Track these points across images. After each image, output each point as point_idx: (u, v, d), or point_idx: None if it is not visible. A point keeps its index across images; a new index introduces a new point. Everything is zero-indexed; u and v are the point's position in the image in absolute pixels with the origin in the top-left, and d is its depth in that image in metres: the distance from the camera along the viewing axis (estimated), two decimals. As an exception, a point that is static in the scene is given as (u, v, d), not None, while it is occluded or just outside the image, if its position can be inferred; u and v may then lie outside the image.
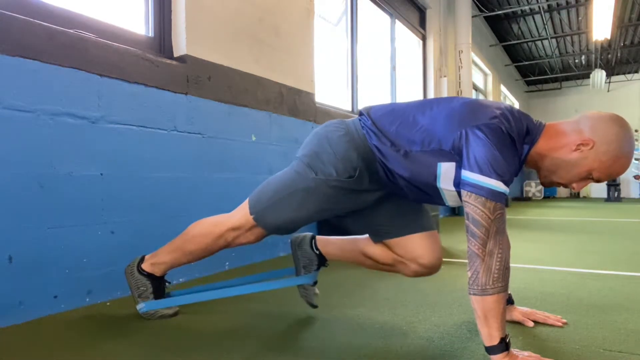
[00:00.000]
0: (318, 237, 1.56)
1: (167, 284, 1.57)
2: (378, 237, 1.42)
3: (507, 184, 1.08)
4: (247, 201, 1.40)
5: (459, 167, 1.16)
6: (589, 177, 1.16)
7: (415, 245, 1.37)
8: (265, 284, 1.52)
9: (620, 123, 1.12)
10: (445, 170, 1.18)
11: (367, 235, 1.48)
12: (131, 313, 1.56)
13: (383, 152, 1.25)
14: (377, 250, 1.44)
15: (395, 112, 1.28)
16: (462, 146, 1.12)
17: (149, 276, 1.50)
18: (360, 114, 1.35)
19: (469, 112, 1.16)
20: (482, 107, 1.17)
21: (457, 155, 1.15)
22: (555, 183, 1.22)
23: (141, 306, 1.49)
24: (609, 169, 1.13)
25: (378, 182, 1.36)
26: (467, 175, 1.09)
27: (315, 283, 1.54)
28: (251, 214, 1.36)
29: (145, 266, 1.51)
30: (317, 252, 1.52)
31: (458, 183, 1.18)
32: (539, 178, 1.25)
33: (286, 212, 1.32)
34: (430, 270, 1.39)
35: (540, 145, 1.18)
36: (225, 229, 1.39)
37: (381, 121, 1.28)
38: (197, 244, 1.44)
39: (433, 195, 1.28)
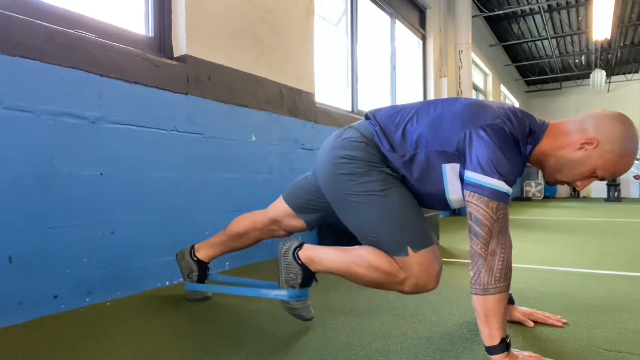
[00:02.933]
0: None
1: (315, 280, 1.42)
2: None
3: (510, 184, 1.09)
4: (390, 257, 1.24)
5: (463, 169, 1.16)
6: (593, 176, 1.17)
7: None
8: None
9: (624, 122, 1.13)
10: (451, 172, 1.19)
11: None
12: (131, 313, 1.56)
13: (392, 161, 1.26)
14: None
15: (399, 114, 1.29)
16: (466, 147, 1.12)
17: (303, 266, 1.36)
18: (367, 117, 1.34)
19: (472, 113, 1.16)
20: (485, 108, 1.17)
21: (461, 157, 1.15)
22: (560, 181, 1.22)
23: (284, 293, 1.37)
24: (613, 167, 1.13)
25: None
26: (470, 175, 1.10)
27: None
28: (403, 254, 1.21)
29: (303, 255, 1.36)
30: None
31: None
32: (543, 176, 1.26)
33: (411, 222, 1.23)
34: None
35: (544, 145, 1.18)
36: (403, 276, 1.23)
37: (387, 125, 1.28)
38: (369, 274, 1.26)
39: (435, 201, 1.28)
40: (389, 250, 1.23)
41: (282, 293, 1.38)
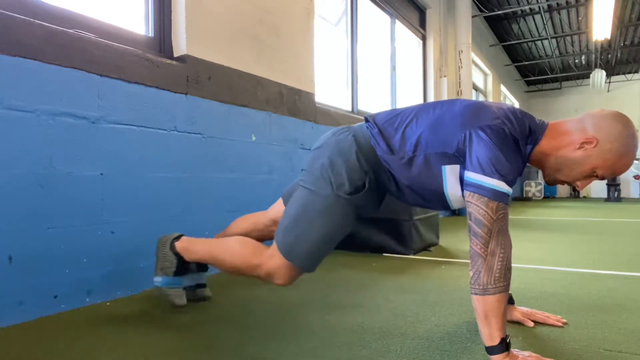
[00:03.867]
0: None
1: (189, 269, 1.57)
2: None
3: (510, 184, 1.09)
4: (275, 245, 1.34)
5: (463, 169, 1.16)
6: (593, 175, 1.17)
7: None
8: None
9: (623, 121, 1.13)
10: (450, 173, 1.19)
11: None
12: (131, 313, 1.56)
13: (389, 162, 1.26)
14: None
15: (399, 117, 1.29)
16: (466, 147, 1.12)
17: (177, 255, 1.51)
18: (366, 120, 1.35)
19: (471, 114, 1.16)
20: (484, 108, 1.17)
21: (461, 158, 1.15)
22: (560, 181, 1.22)
23: (158, 279, 1.51)
24: (613, 166, 1.13)
25: (384, 190, 1.37)
26: (470, 175, 1.10)
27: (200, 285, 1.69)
28: (283, 256, 1.31)
29: (179, 245, 1.51)
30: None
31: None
32: (543, 176, 1.26)
33: (314, 238, 1.29)
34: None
35: (543, 145, 1.18)
36: (264, 271, 1.35)
37: (386, 128, 1.28)
38: (231, 257, 1.41)
39: (436, 201, 1.29)
40: (280, 234, 1.33)
41: (157, 280, 1.52)
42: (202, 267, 1.68)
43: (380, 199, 1.42)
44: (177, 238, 1.53)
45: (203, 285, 1.70)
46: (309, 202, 1.30)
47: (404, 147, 1.24)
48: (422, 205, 1.35)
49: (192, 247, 1.51)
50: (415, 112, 1.28)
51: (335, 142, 1.32)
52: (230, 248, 1.43)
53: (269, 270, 1.34)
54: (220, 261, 1.45)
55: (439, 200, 1.28)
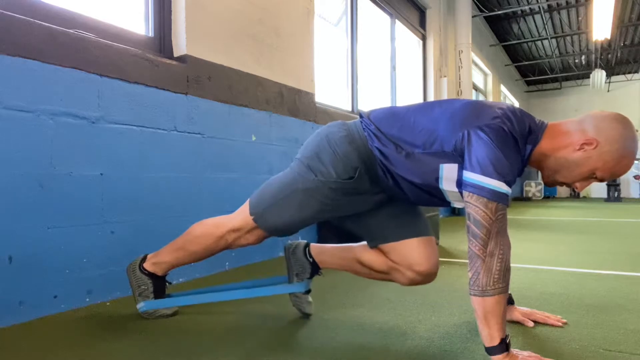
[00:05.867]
0: (312, 244, 1.52)
1: (167, 284, 1.57)
2: (375, 241, 1.38)
3: (509, 184, 1.08)
4: (247, 202, 1.40)
5: (461, 168, 1.16)
6: (592, 177, 1.16)
7: (411, 251, 1.32)
8: (259, 289, 1.52)
9: (623, 123, 1.12)
10: (448, 172, 1.18)
11: (363, 243, 1.45)
12: (131, 313, 1.56)
13: (385, 153, 1.25)
14: (372, 258, 1.40)
15: (396, 115, 1.28)
16: (464, 147, 1.12)
17: (151, 275, 1.51)
18: (361, 116, 1.34)
19: (470, 113, 1.15)
20: (483, 107, 1.17)
21: (459, 157, 1.15)
22: (559, 182, 1.22)
23: (141, 305, 1.50)
24: (613, 168, 1.13)
25: (378, 184, 1.36)
26: (469, 175, 1.09)
27: (308, 291, 1.51)
28: (251, 215, 1.36)
29: (147, 265, 1.51)
30: (311, 260, 1.49)
31: (461, 184, 1.17)
32: (542, 177, 1.25)
33: (286, 213, 1.32)
34: (425, 278, 1.34)
35: (543, 145, 1.18)
36: (226, 230, 1.40)
37: (382, 124, 1.28)
38: (198, 245, 1.44)
39: (436, 196, 1.28)
40: (257, 199, 1.36)
41: (140, 306, 1.50)
42: (315, 269, 1.51)
43: (377, 198, 1.40)
44: (143, 259, 1.52)
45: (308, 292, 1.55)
46: (293, 179, 1.32)
47: (400, 144, 1.23)
48: (422, 199, 1.33)
49: (160, 258, 1.50)
50: (412, 110, 1.27)
51: (327, 132, 1.33)
52: (192, 236, 1.45)
53: (234, 226, 1.38)
54: (192, 254, 1.46)
55: (437, 196, 1.27)
